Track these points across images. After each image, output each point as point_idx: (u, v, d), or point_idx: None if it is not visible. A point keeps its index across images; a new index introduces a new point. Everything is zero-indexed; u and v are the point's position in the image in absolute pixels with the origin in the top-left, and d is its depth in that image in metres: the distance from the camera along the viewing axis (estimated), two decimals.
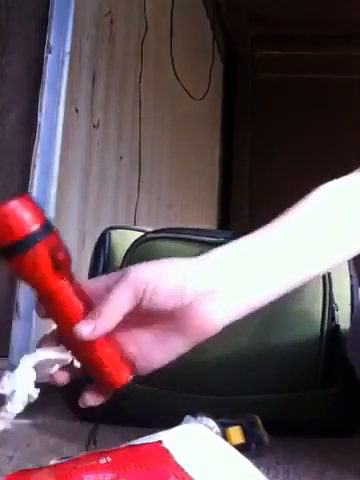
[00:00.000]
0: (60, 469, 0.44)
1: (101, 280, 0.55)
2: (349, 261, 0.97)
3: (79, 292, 0.51)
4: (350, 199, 0.63)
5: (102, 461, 0.43)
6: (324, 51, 3.67)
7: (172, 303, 0.52)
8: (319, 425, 0.86)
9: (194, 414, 0.56)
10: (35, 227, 0.46)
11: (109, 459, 0.43)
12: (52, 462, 0.48)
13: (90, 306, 0.51)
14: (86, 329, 0.50)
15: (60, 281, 0.49)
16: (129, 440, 0.51)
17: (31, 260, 0.46)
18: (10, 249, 0.46)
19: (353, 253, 0.62)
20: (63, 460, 0.47)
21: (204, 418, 0.56)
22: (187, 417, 0.55)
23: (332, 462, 0.68)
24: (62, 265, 0.49)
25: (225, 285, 0.54)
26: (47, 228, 0.48)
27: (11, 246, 0.46)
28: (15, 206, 0.46)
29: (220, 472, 0.45)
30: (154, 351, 0.54)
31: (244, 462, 0.47)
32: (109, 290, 0.52)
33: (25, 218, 0.46)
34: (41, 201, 1.31)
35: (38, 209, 0.48)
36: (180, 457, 0.45)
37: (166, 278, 0.52)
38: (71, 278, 0.51)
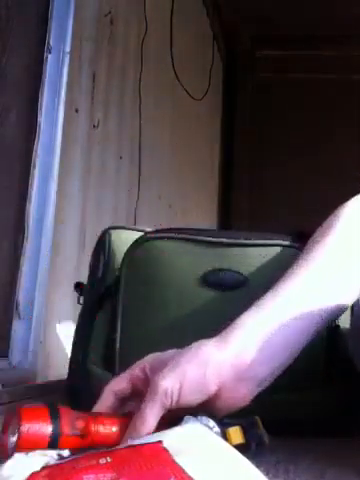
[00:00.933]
0: (60, 469, 0.44)
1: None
2: None
3: (109, 421, 0.56)
4: None
5: (102, 461, 0.43)
6: (324, 51, 3.67)
7: (198, 399, 0.56)
8: (319, 425, 0.86)
9: (194, 414, 0.56)
10: (49, 430, 0.52)
11: (109, 459, 0.43)
12: (51, 462, 0.48)
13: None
14: None
15: (90, 437, 0.54)
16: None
17: (64, 446, 0.52)
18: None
19: None
20: (63, 460, 0.47)
21: (204, 418, 0.56)
22: (187, 417, 0.55)
23: (332, 462, 0.68)
24: (85, 428, 0.54)
25: (248, 366, 0.59)
26: (55, 417, 0.53)
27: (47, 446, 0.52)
28: (26, 429, 0.51)
29: (220, 472, 0.45)
30: None
31: (244, 462, 0.47)
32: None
33: (38, 433, 0.51)
34: (41, 201, 1.32)
35: (38, 409, 0.54)
36: (180, 457, 0.45)
37: (188, 383, 0.56)
38: (95, 421, 0.55)
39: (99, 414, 0.57)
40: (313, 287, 0.61)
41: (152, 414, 0.55)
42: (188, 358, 0.58)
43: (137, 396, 0.59)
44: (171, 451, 0.45)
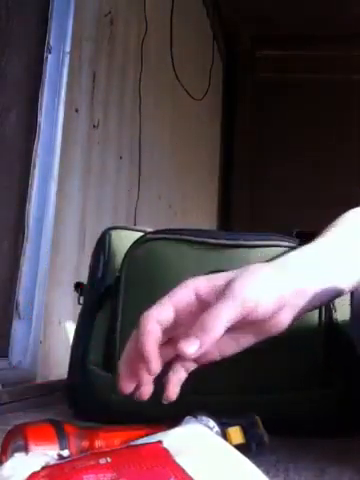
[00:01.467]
0: (60, 469, 0.44)
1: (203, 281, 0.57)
2: None
3: None
4: None
5: (102, 461, 0.43)
6: (324, 51, 3.67)
7: (272, 313, 0.56)
8: (319, 425, 0.86)
9: (194, 414, 0.56)
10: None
11: (109, 459, 0.43)
12: (52, 462, 0.48)
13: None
14: (192, 348, 0.52)
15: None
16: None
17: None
18: None
19: None
20: (63, 460, 0.47)
21: (204, 418, 0.56)
22: (187, 417, 0.55)
23: (332, 461, 0.68)
24: (90, 445, 0.54)
25: (303, 292, 0.58)
26: (62, 437, 0.53)
27: None
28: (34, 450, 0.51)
29: (221, 472, 0.45)
30: (227, 346, 0.58)
31: (245, 462, 0.47)
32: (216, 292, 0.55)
33: None
34: (41, 201, 1.32)
35: (44, 429, 0.54)
36: (180, 457, 0.45)
37: (268, 294, 0.55)
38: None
39: (101, 429, 0.57)
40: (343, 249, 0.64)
41: (229, 314, 0.52)
42: (262, 270, 0.58)
43: (181, 326, 0.56)
44: (171, 451, 0.45)
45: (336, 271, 0.62)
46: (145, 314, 0.56)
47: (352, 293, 0.80)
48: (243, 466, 0.47)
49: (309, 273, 0.59)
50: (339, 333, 0.90)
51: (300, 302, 0.58)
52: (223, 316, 0.52)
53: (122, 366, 0.58)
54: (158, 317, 0.55)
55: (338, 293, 0.62)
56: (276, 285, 0.56)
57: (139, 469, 0.43)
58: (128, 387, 0.57)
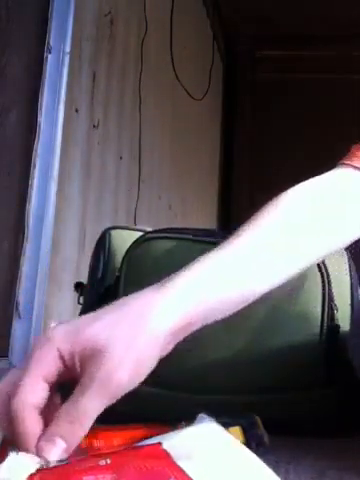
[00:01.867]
0: (58, 471, 0.43)
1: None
2: (349, 261, 0.97)
3: None
4: (322, 199, 0.64)
5: (101, 462, 0.43)
6: (324, 51, 3.67)
7: None
8: (319, 425, 0.86)
9: (194, 414, 0.56)
10: None
11: (108, 461, 0.43)
12: (51, 464, 0.48)
13: None
14: (56, 453, 0.45)
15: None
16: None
17: None
18: None
19: (327, 251, 0.64)
20: (62, 462, 0.47)
21: (204, 418, 0.56)
22: (201, 416, 0.54)
23: (333, 462, 0.68)
24: (88, 446, 0.51)
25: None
26: None
27: None
28: None
29: (232, 473, 0.45)
30: None
31: (257, 462, 0.47)
32: None
33: None
34: (41, 201, 1.32)
35: None
36: (191, 459, 0.44)
37: (152, 360, 0.50)
38: None
39: (99, 429, 0.57)
40: (246, 256, 0.57)
41: (96, 410, 0.45)
42: (134, 332, 0.47)
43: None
44: (183, 452, 0.45)
45: (249, 278, 0.57)
46: (20, 403, 0.45)
47: (352, 314, 0.80)
48: (256, 466, 0.47)
49: (220, 286, 0.54)
50: (340, 333, 0.90)
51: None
52: (91, 411, 0.46)
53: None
54: (35, 404, 0.46)
55: (247, 300, 0.58)
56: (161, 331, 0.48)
57: (139, 470, 0.42)
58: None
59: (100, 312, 0.49)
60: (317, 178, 0.67)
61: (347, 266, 0.96)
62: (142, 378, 0.49)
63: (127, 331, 0.47)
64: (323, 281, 0.89)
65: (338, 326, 0.90)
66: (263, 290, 0.58)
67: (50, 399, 0.48)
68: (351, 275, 0.96)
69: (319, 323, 0.89)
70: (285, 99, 3.67)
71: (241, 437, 0.59)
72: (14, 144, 1.29)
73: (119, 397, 0.47)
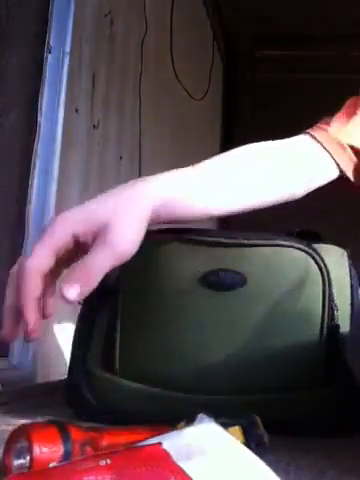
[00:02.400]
0: (59, 471, 0.44)
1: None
2: (349, 261, 0.97)
3: None
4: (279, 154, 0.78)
5: (102, 463, 0.43)
6: (324, 51, 3.67)
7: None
8: (319, 425, 0.86)
9: (194, 414, 0.56)
10: (60, 453, 0.52)
11: (109, 461, 0.43)
12: (51, 464, 0.48)
13: None
14: (73, 293, 0.56)
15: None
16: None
17: None
18: None
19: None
20: (62, 462, 0.47)
21: (204, 418, 0.56)
22: (201, 416, 0.54)
23: (333, 462, 0.68)
24: (94, 446, 0.54)
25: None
26: (66, 439, 0.53)
27: None
28: (38, 452, 0.51)
29: (232, 474, 0.45)
30: None
31: (257, 463, 0.47)
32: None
33: (49, 456, 0.51)
34: (41, 201, 1.31)
35: (48, 431, 0.53)
36: (191, 459, 0.44)
37: (140, 236, 0.63)
38: None
39: (105, 430, 0.57)
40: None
41: (105, 267, 0.57)
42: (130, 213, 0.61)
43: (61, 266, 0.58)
44: (182, 451, 0.45)
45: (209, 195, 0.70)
46: (26, 266, 0.56)
47: (352, 315, 0.81)
48: (256, 466, 0.47)
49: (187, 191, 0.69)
50: (340, 333, 0.90)
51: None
52: (101, 267, 0.57)
53: (5, 314, 0.58)
54: (41, 269, 0.56)
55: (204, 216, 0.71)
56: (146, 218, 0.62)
57: (139, 470, 0.43)
58: (12, 336, 0.58)
59: (101, 197, 0.61)
60: (277, 141, 0.82)
61: (347, 266, 0.96)
62: (138, 244, 0.63)
63: (126, 209, 0.60)
64: (323, 281, 0.89)
65: (338, 326, 0.90)
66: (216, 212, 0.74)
67: (49, 283, 0.58)
68: (351, 275, 0.96)
69: (319, 323, 0.89)
70: (285, 99, 3.67)
71: (241, 437, 0.59)
72: (14, 144, 1.29)
73: (124, 260, 0.61)
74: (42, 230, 0.57)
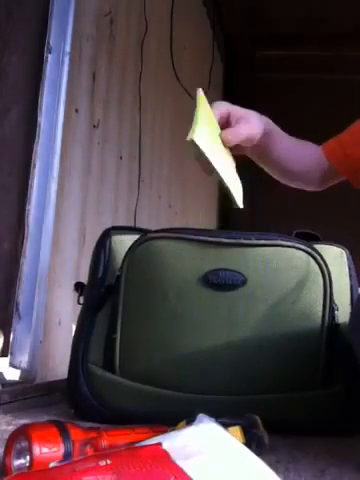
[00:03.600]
0: (59, 471, 0.44)
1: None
2: (349, 261, 0.97)
3: None
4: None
5: (102, 463, 0.43)
6: (324, 51, 3.67)
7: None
8: (319, 425, 0.86)
9: (194, 414, 0.56)
10: (61, 453, 0.53)
11: (109, 461, 0.43)
12: (51, 464, 0.48)
13: None
14: (229, 138, 0.92)
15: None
16: None
17: None
18: None
19: None
20: (62, 462, 0.47)
21: (205, 418, 0.56)
22: (200, 416, 0.54)
23: (332, 461, 0.68)
24: (94, 446, 0.55)
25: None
26: (66, 438, 0.54)
27: None
28: (38, 452, 0.52)
29: (231, 473, 0.45)
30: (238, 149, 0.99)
31: (257, 462, 0.47)
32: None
33: (49, 456, 0.53)
34: (41, 201, 1.32)
35: (48, 431, 0.54)
36: (191, 458, 0.44)
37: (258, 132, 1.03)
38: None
39: (104, 430, 0.57)
40: None
41: (243, 135, 0.94)
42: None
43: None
44: (182, 451, 0.45)
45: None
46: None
47: (352, 301, 0.81)
48: (256, 466, 0.47)
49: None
50: (340, 333, 0.90)
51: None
52: (242, 134, 0.94)
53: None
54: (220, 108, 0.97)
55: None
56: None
57: (139, 471, 0.43)
58: None
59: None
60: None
61: (347, 266, 0.96)
62: (255, 141, 1.01)
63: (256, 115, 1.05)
64: (324, 281, 0.89)
65: (338, 326, 0.90)
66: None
67: None
68: (351, 275, 0.96)
69: (320, 323, 0.89)
70: (285, 99, 3.67)
71: (241, 437, 0.59)
72: (14, 144, 1.29)
73: (252, 143, 1.01)
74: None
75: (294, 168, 1.10)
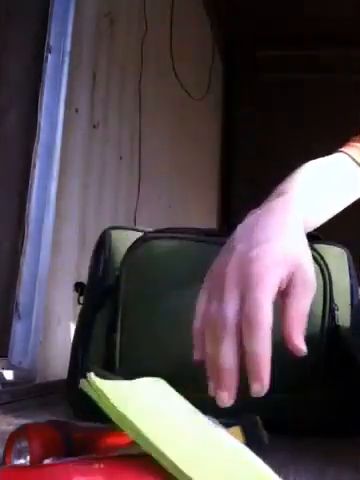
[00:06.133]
0: (51, 469, 0.43)
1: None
2: (349, 262, 0.97)
3: None
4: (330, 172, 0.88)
5: (95, 466, 0.43)
6: (324, 51, 3.67)
7: None
8: (319, 425, 0.86)
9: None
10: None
11: (102, 465, 0.43)
12: (46, 461, 0.48)
13: None
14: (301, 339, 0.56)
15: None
16: None
17: None
18: None
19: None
20: (57, 461, 0.47)
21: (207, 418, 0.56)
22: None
23: (333, 462, 0.68)
24: (96, 448, 0.53)
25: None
26: (68, 439, 0.53)
27: None
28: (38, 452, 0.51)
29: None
30: None
31: (260, 463, 0.47)
32: None
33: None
34: (41, 201, 1.32)
35: (48, 430, 0.54)
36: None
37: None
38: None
39: (105, 431, 0.57)
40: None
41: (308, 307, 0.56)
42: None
43: None
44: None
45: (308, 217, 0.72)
46: (259, 321, 0.52)
47: (352, 303, 0.81)
48: (256, 466, 0.47)
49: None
50: (340, 333, 0.90)
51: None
52: (307, 309, 0.56)
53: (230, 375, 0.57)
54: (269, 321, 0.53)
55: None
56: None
57: (131, 477, 0.43)
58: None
59: (270, 228, 0.60)
60: (321, 159, 0.92)
61: (347, 266, 0.96)
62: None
63: (301, 240, 0.61)
64: (325, 281, 0.89)
65: (339, 326, 0.90)
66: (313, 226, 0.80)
67: None
68: (351, 275, 0.96)
69: (320, 323, 0.89)
70: (285, 99, 3.67)
71: (241, 437, 0.59)
72: (14, 144, 1.29)
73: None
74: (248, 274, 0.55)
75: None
